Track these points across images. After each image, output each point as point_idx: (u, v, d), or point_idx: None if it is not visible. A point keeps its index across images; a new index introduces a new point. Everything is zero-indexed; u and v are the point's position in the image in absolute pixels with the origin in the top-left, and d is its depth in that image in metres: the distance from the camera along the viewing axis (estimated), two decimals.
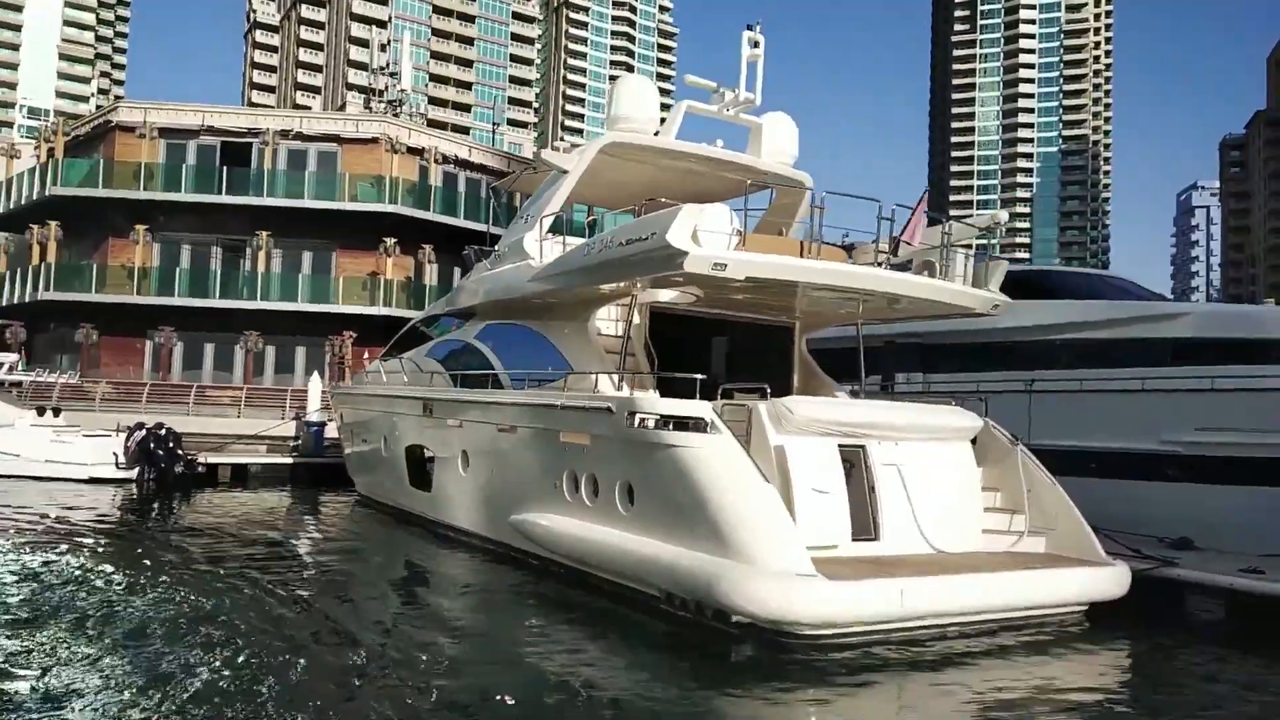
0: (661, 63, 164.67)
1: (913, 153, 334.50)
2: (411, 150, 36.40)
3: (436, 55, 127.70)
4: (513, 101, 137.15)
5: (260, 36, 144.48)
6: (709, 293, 12.03)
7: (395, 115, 39.89)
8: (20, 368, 25.69)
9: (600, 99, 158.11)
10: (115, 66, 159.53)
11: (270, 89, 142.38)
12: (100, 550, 13.50)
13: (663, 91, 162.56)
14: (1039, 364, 16.04)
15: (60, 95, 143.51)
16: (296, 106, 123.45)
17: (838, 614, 8.56)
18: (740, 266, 10.01)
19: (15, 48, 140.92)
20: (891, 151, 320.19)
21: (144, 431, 22.54)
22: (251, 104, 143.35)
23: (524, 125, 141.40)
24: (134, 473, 22.17)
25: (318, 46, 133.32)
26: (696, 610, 9.28)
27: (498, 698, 7.14)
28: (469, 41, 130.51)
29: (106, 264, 34.81)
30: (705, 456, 9.39)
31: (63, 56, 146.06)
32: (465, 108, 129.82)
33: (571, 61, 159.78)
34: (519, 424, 12.56)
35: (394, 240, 34.73)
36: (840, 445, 10.30)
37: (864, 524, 10.30)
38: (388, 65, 45.60)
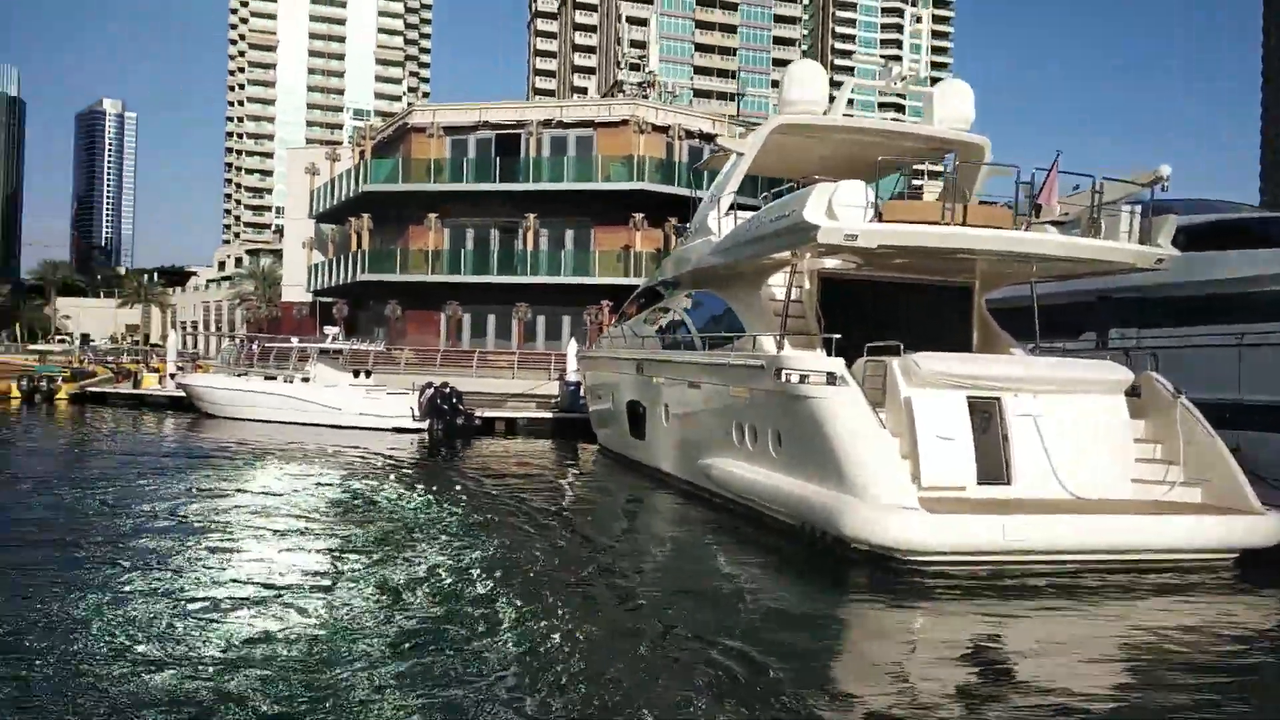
0: (936, 35, 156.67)
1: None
2: (657, 129, 38.97)
3: (700, 48, 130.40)
4: (777, 62, 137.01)
5: (541, 25, 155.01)
6: (877, 258, 13.14)
7: (644, 96, 42.65)
8: (340, 338, 31.28)
9: (870, 65, 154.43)
10: (421, 65, 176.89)
11: (551, 74, 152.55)
12: (406, 478, 17.77)
13: (939, 67, 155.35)
14: (1255, 317, 15.36)
15: (378, 97, 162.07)
16: (575, 89, 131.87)
17: (937, 543, 9.70)
18: (871, 236, 11.20)
19: (340, 57, 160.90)
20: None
21: (432, 390, 26.98)
22: (535, 90, 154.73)
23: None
24: (426, 424, 26.61)
25: (591, 29, 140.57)
26: (823, 538, 10.76)
27: (682, 597, 9.30)
28: (731, 29, 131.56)
29: (408, 248, 40.73)
30: (833, 406, 10.79)
31: (378, 61, 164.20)
32: (729, 97, 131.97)
33: (839, 31, 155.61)
34: (701, 380, 14.46)
35: (642, 215, 37.57)
36: (970, 397, 11.20)
37: (994, 469, 11.17)
38: (645, 48, 48.46)
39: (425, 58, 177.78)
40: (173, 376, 35.22)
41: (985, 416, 11.38)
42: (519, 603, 8.65)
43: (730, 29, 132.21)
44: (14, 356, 66.19)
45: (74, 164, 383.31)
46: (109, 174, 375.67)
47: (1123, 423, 11.72)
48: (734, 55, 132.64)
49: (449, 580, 9.63)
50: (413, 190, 39.76)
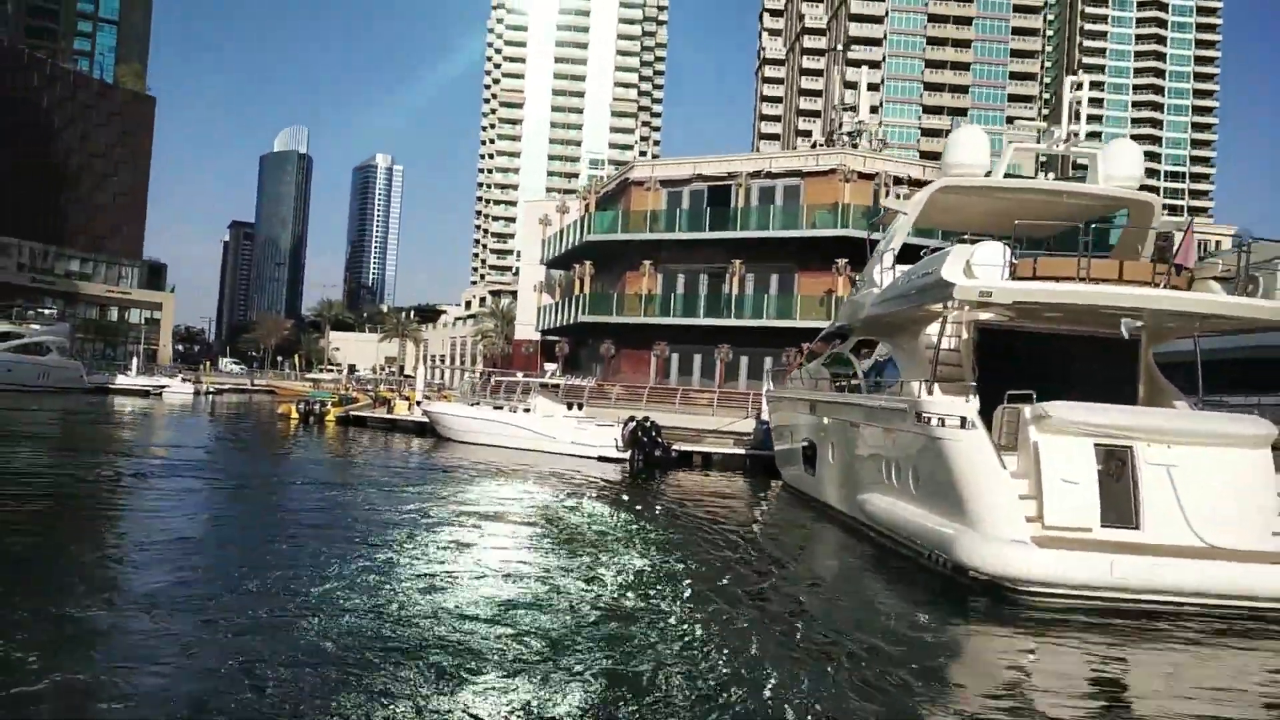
0: (1201, 60, 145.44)
1: None
2: (863, 176, 39.95)
3: (930, 86, 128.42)
4: (1014, 98, 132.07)
5: (769, 71, 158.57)
6: (1029, 313, 14.00)
7: (854, 146, 43.73)
8: (558, 374, 34.59)
9: (1123, 79, 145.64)
10: (654, 115, 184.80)
11: (777, 119, 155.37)
12: (606, 498, 20.29)
13: (1200, 95, 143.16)
14: None
15: (612, 146, 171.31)
16: (800, 133, 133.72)
17: (1044, 575, 10.52)
18: (1005, 294, 12.20)
19: (579, 111, 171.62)
20: None
21: (634, 424, 29.44)
22: (761, 135, 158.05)
23: (1029, 119, 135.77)
24: (628, 454, 29.07)
25: (818, 73, 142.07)
26: (945, 566, 11.77)
27: (832, 614, 10.84)
28: (964, 68, 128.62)
29: (625, 293, 43.94)
30: (962, 448, 11.84)
31: (613, 113, 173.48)
32: (961, 112, 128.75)
33: (1089, 44, 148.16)
34: (859, 421, 15.71)
35: (845, 260, 38.56)
36: (1098, 444, 11.83)
37: (1123, 513, 11.70)
38: (856, 100, 49.59)
39: (657, 108, 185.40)
40: (419, 404, 40.12)
41: (1118, 463, 11.94)
42: (687, 603, 10.52)
43: (963, 66, 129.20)
44: (294, 384, 76.46)
45: (349, 212, 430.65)
46: (378, 221, 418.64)
47: (1265, 476, 11.85)
48: (966, 93, 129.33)
49: (632, 579, 11.69)
50: (631, 239, 42.99)
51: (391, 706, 6.86)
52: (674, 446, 29.70)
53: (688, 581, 11.66)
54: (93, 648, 7.95)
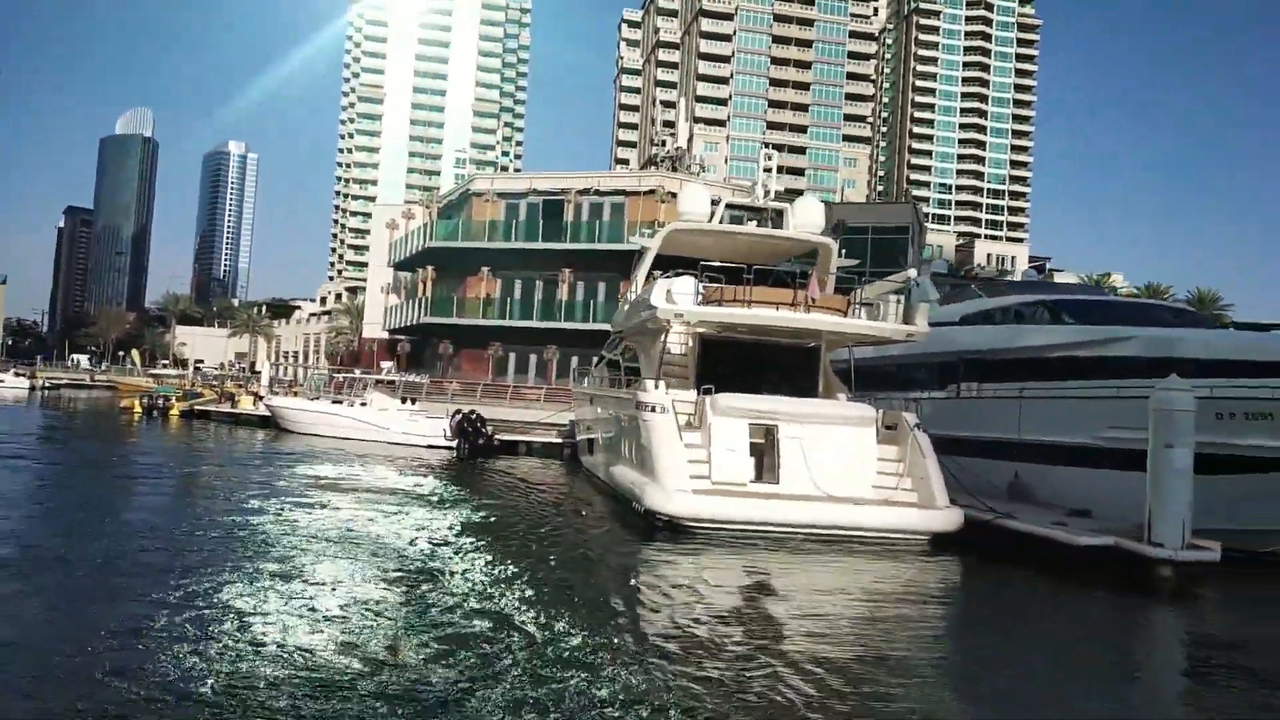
0: (1021, 58, 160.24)
1: None
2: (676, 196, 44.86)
3: (774, 88, 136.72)
4: (849, 118, 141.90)
5: (626, 80, 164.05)
6: (730, 327, 18.70)
7: (673, 169, 48.71)
8: (394, 371, 37.92)
9: (950, 103, 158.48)
10: (516, 116, 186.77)
11: (634, 126, 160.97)
12: (440, 479, 23.63)
13: (1020, 89, 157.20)
14: (1042, 376, 20.21)
15: (474, 146, 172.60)
16: (656, 142, 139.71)
17: (702, 514, 15.12)
18: (693, 315, 16.79)
19: (440, 109, 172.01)
20: None
21: (460, 416, 33.14)
22: (620, 142, 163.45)
23: (864, 140, 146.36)
24: (455, 443, 32.73)
25: (673, 85, 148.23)
26: (644, 510, 16.22)
27: (567, 540, 14.93)
28: (805, 87, 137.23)
29: (465, 296, 47.47)
30: (654, 425, 16.34)
31: (476, 113, 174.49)
32: (802, 129, 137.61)
33: (921, 68, 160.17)
34: (611, 410, 20.16)
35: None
36: (751, 424, 16.58)
37: (768, 473, 16.49)
38: (673, 124, 54.65)
39: (520, 109, 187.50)
40: (261, 399, 42.52)
41: (767, 437, 16.71)
42: (469, 537, 14.47)
43: (804, 86, 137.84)
44: (137, 379, 75.95)
45: (200, 201, 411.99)
46: (230, 211, 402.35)
47: (868, 446, 16.85)
48: (807, 111, 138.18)
49: (451, 533, 15.38)
50: (471, 247, 46.56)
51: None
52: (498, 436, 33.56)
53: (473, 524, 15.60)
54: None
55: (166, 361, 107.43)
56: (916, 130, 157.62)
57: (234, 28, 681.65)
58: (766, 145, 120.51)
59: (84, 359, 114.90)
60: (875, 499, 16.31)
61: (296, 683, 7.14)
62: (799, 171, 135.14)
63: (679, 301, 16.80)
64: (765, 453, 16.67)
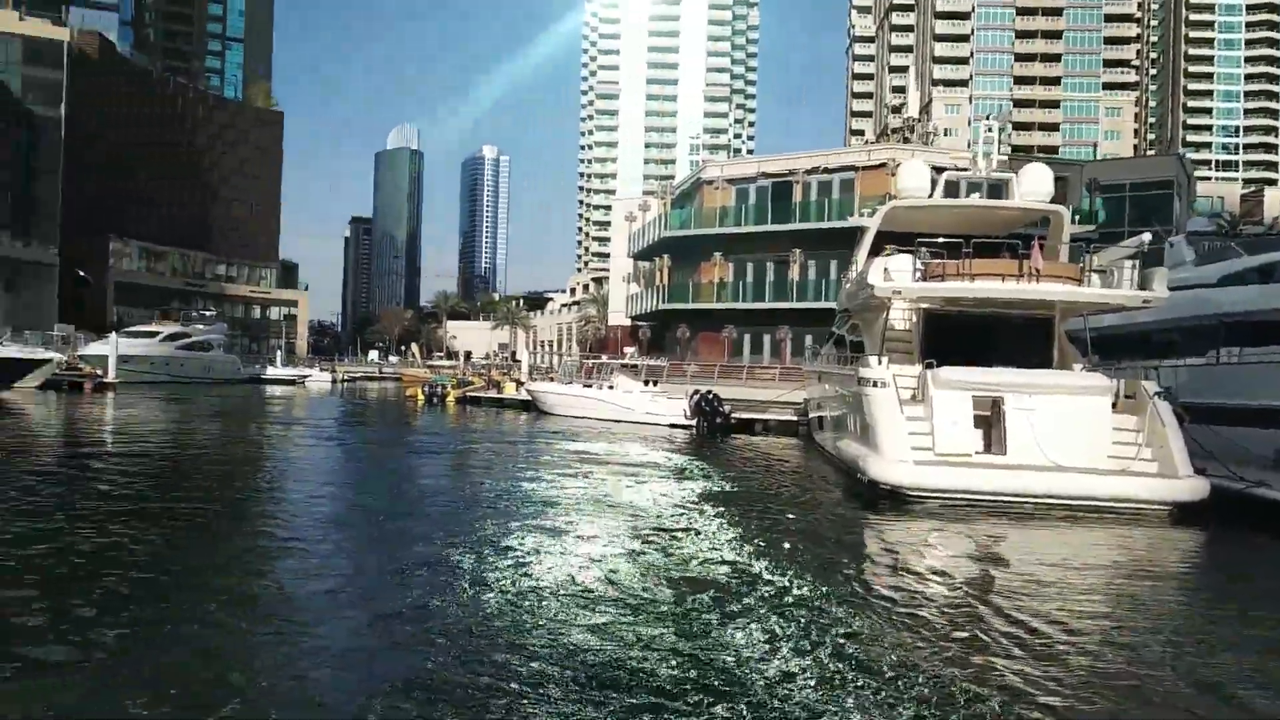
0: None
1: None
2: None
3: (1021, 40, 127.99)
4: (1110, 63, 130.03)
5: (859, 49, 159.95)
6: (954, 300, 18.97)
7: (906, 141, 47.84)
8: (636, 356, 40.42)
9: (1234, 35, 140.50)
10: (748, 98, 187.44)
11: (869, 96, 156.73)
12: (681, 454, 25.61)
13: None
14: None
15: (707, 131, 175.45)
16: (893, 109, 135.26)
17: (924, 484, 15.65)
18: (910, 291, 17.28)
19: (673, 99, 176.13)
20: None
21: (698, 396, 34.98)
22: (854, 113, 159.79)
23: (1128, 87, 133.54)
24: (693, 421, 34.63)
25: (907, 49, 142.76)
26: (867, 481, 16.97)
27: (797, 509, 16.33)
28: (1056, 36, 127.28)
29: (700, 282, 49.37)
30: (876, 399, 17.02)
31: (707, 98, 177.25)
32: (1054, 81, 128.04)
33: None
34: (836, 387, 20.94)
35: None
36: (975, 396, 16.80)
37: (995, 444, 16.68)
38: (904, 97, 53.40)
39: (751, 89, 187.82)
40: (522, 385, 46.69)
41: (994, 409, 16.88)
42: (718, 503, 16.14)
43: (1054, 35, 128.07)
44: (417, 370, 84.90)
45: (460, 204, 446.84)
46: (487, 211, 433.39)
47: (1102, 416, 16.55)
48: (1058, 62, 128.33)
49: (693, 498, 17.14)
50: (703, 234, 48.36)
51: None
52: (734, 415, 35.10)
53: (711, 493, 17.13)
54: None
55: (440, 354, 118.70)
56: (1193, 70, 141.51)
57: (481, 37, 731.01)
58: (1013, 104, 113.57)
59: (374, 354, 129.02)
60: (1110, 469, 16.08)
61: (571, 612, 8.87)
62: (1052, 127, 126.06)
63: (896, 279, 17.35)
64: (992, 425, 16.88)
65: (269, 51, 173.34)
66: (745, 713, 6.49)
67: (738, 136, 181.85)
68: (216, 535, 12.54)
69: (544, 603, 9.10)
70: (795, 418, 35.26)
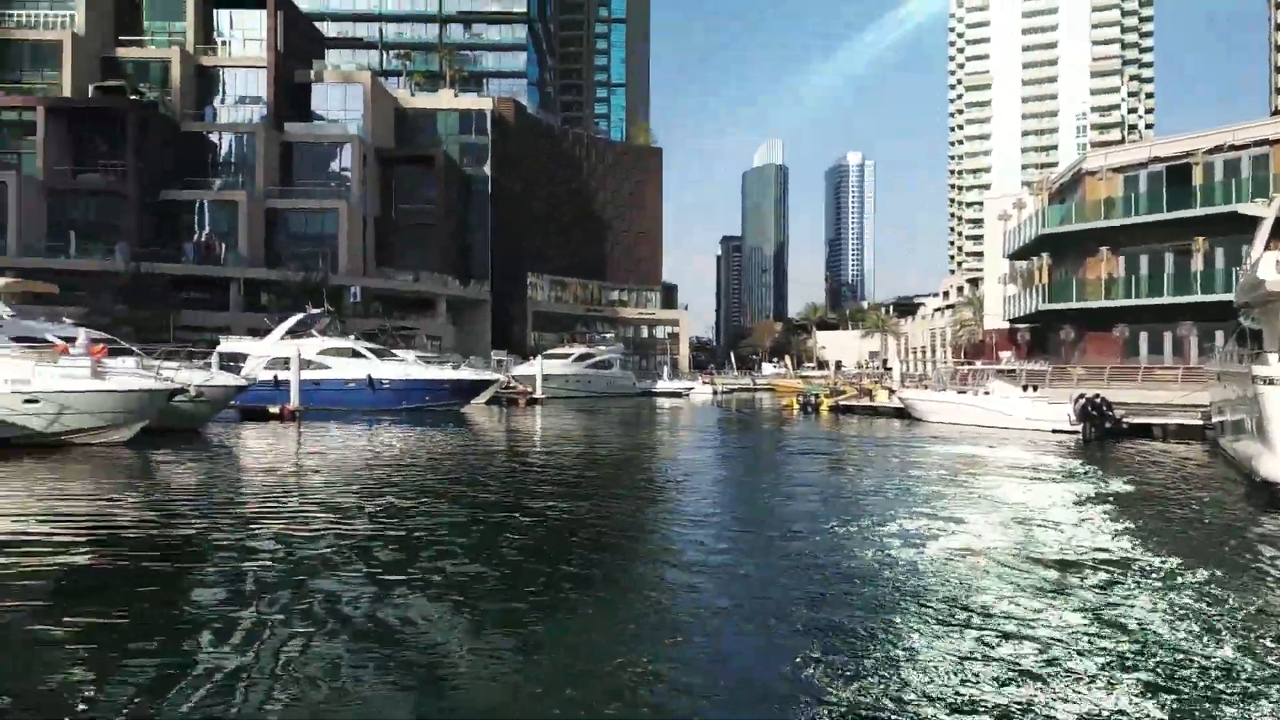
0: None
1: None
2: None
3: None
4: None
5: None
6: None
7: None
8: (1011, 361, 39.72)
9: None
10: (1143, 66, 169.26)
11: None
12: (1065, 459, 25.67)
13: None
14: None
15: (1094, 110, 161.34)
16: None
17: None
18: None
19: (1053, 80, 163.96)
20: None
21: (1084, 400, 33.81)
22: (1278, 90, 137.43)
23: None
24: (1079, 427, 33.56)
25: None
26: (1260, 480, 16.34)
27: (1195, 506, 16.71)
28: None
29: (1085, 279, 46.90)
30: (1269, 396, 16.40)
31: (1093, 74, 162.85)
32: None
33: None
34: (1233, 386, 19.99)
35: None
36: None
37: None
38: None
39: (1147, 57, 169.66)
40: (893, 393, 47.64)
41: None
42: (1110, 507, 17.00)
43: None
44: (789, 381, 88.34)
45: (825, 213, 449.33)
46: (853, 219, 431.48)
47: None
48: None
49: (1080, 501, 18.12)
50: (1087, 228, 45.94)
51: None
52: (1126, 419, 33.47)
53: (1099, 495, 17.62)
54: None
55: (811, 364, 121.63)
56: None
57: (845, 47, 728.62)
58: None
59: (770, 367, 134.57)
60: None
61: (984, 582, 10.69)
62: None
63: None
64: None
65: (647, 93, 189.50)
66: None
67: (1133, 111, 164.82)
68: (662, 515, 15.94)
69: (956, 578, 10.86)
70: (1200, 422, 32.76)
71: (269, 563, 11.50)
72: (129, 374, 25.40)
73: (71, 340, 26.67)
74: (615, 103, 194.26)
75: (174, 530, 13.64)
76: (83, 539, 12.82)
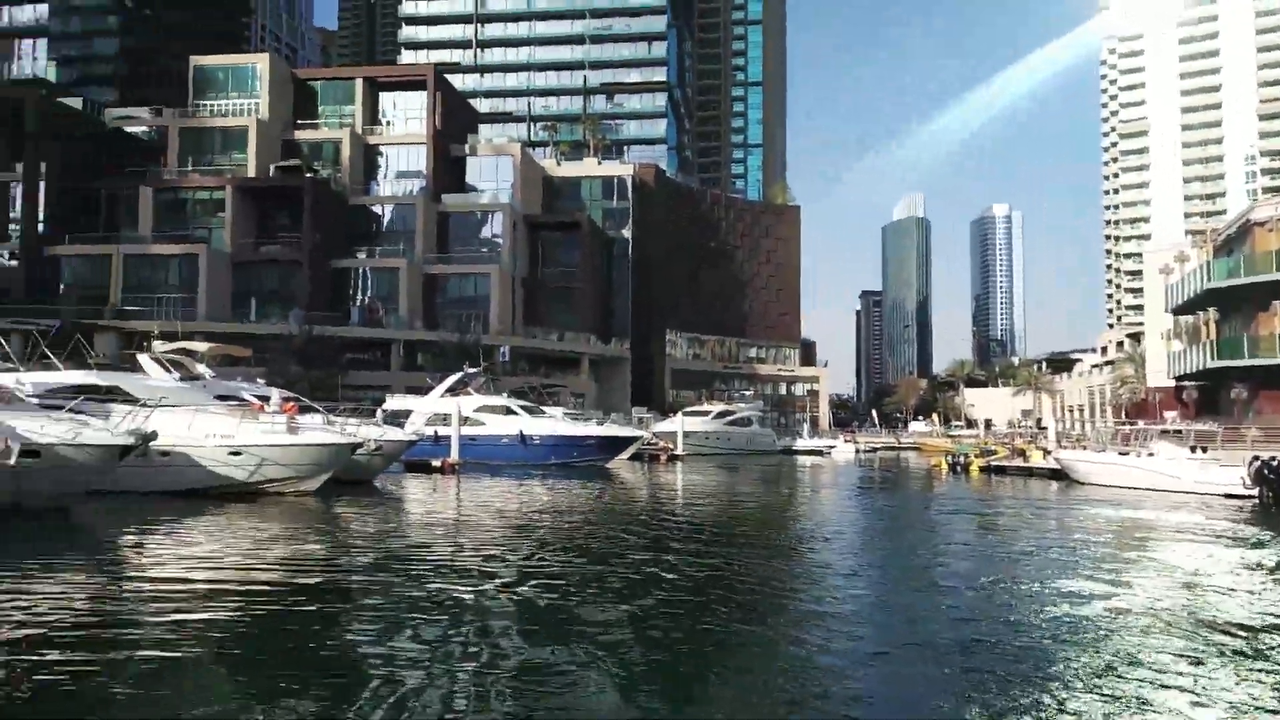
0: None
1: None
2: None
3: None
4: None
5: None
6: None
7: None
8: (1177, 420, 37.79)
9: None
10: None
11: None
12: (1241, 524, 24.49)
13: None
14: None
15: (1264, 154, 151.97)
16: None
17: None
18: None
19: (1218, 124, 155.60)
20: None
21: (1260, 463, 31.86)
22: None
23: None
24: (1255, 491, 31.61)
25: None
26: None
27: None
28: None
29: (1258, 334, 44.26)
30: None
31: (1261, 116, 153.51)
32: None
33: None
34: None
35: None
36: None
37: None
38: None
39: None
40: (1049, 453, 45.94)
41: None
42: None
43: None
44: (937, 440, 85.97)
45: (971, 267, 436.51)
46: (1001, 272, 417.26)
47: None
48: None
49: (1255, 563, 17.51)
50: (1258, 281, 43.51)
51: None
52: None
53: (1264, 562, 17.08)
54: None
55: (959, 422, 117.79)
56: None
57: (984, 101, 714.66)
58: None
59: (918, 424, 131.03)
60: None
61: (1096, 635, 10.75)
62: None
63: None
64: None
65: (783, 152, 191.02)
66: None
67: (1254, 203, 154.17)
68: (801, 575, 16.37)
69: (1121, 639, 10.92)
70: None
71: (436, 605, 12.53)
72: (318, 429, 27.83)
73: (265, 399, 29.48)
74: (752, 163, 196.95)
75: (358, 575, 15.12)
76: (293, 579, 14.42)
